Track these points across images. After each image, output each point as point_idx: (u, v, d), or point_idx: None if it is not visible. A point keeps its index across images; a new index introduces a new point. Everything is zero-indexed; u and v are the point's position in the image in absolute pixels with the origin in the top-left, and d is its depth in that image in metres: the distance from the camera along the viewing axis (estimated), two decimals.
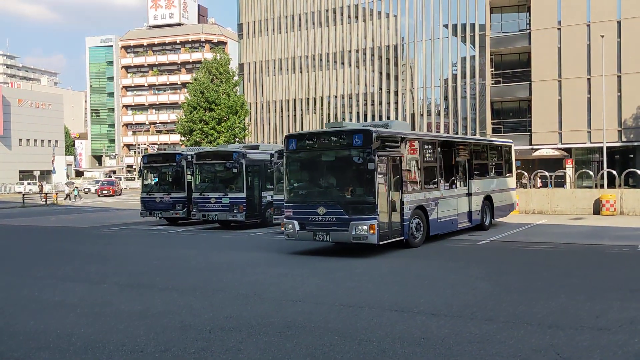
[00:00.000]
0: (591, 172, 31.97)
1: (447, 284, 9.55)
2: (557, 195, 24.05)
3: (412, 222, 13.78)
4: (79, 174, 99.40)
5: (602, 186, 29.87)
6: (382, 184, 12.79)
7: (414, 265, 11.91)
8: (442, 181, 15.43)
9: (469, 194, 16.78)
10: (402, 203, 13.40)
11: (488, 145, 19.52)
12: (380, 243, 12.61)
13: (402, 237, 13.46)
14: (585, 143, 44.60)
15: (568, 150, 45.27)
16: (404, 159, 13.69)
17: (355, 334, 6.49)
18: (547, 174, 27.93)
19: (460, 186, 16.42)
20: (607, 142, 38.10)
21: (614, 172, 25.78)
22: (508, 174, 19.98)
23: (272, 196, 18.70)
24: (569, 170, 40.66)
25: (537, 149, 45.57)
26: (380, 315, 7.37)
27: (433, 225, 14.68)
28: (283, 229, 13.81)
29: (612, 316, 7.11)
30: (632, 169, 27.72)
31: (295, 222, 13.22)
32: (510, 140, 22.16)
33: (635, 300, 8.05)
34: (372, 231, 12.27)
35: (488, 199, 17.80)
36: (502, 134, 47.16)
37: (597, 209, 22.57)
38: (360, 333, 6.51)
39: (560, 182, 36.91)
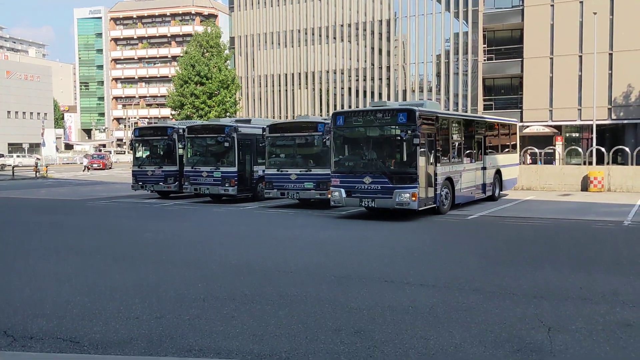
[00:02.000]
0: (580, 150, 32.24)
1: (436, 257, 9.75)
2: (546, 172, 24.30)
3: (443, 192, 15.31)
4: (69, 147, 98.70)
5: (590, 163, 30.15)
6: (421, 157, 14.15)
7: (402, 239, 12.09)
8: (464, 156, 17.03)
9: (484, 168, 18.25)
10: (435, 174, 14.94)
11: (499, 124, 20.97)
12: (420, 209, 14.10)
13: (435, 205, 14.97)
14: (575, 121, 44.84)
15: (558, 127, 45.51)
16: (437, 135, 15.16)
17: (346, 303, 6.66)
18: (536, 150, 28.15)
19: (478, 161, 17.88)
20: (597, 120, 38.31)
21: (603, 150, 26.03)
22: (513, 151, 21.63)
23: (263, 170, 18.80)
24: (559, 147, 40.95)
25: (528, 126, 45.77)
26: (370, 285, 7.54)
27: (457, 195, 16.22)
28: (330, 195, 15.37)
29: (596, 288, 7.32)
30: (620, 147, 27.99)
31: (342, 190, 14.82)
32: (515, 120, 23.23)
33: (618, 273, 8.27)
34: (413, 198, 13.83)
35: (498, 172, 19.39)
36: (493, 111, 47.26)
37: (585, 185, 22.85)
38: (351, 302, 6.68)
39: (549, 159, 37.18)
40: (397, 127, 14.24)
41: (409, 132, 13.79)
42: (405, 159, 14.23)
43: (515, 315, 6.10)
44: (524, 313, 6.18)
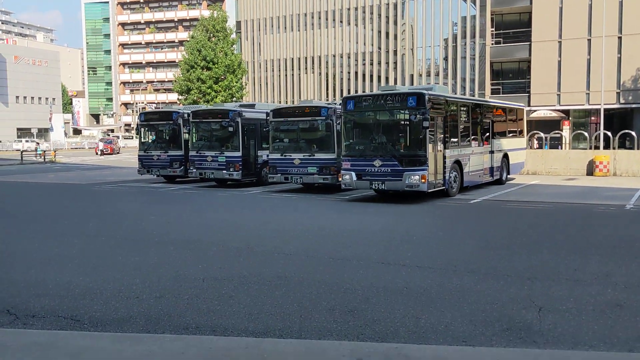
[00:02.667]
0: (586, 134, 32.09)
1: (435, 241, 9.84)
2: (551, 156, 24.26)
3: (451, 174, 15.63)
4: (77, 132, 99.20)
5: (597, 148, 30.04)
6: (430, 141, 14.51)
7: (403, 223, 12.19)
8: (472, 139, 17.28)
9: (492, 152, 18.47)
10: (444, 157, 15.27)
11: (507, 108, 21.15)
12: (429, 191, 14.48)
13: (444, 187, 15.32)
14: (583, 105, 44.56)
15: (566, 112, 45.25)
16: (446, 118, 15.52)
17: (342, 284, 6.77)
18: (543, 135, 28.06)
19: (485, 144, 18.09)
20: (605, 104, 38.07)
21: (609, 134, 25.91)
22: (521, 135, 21.82)
23: (267, 155, 18.90)
24: (566, 132, 40.75)
25: (535, 110, 45.54)
26: (367, 267, 7.65)
27: (466, 178, 16.55)
28: (340, 179, 15.74)
29: (590, 270, 7.40)
30: (627, 131, 27.84)
31: (353, 173, 15.14)
32: (523, 104, 23.47)
33: (614, 256, 8.33)
34: (423, 180, 14.15)
35: (505, 156, 19.62)
36: (500, 95, 47.02)
37: (591, 170, 22.81)
38: (347, 283, 6.79)
39: (556, 144, 37.04)
40: (406, 111, 14.52)
41: (419, 115, 14.05)
42: (414, 142, 14.53)
43: (508, 296, 6.19)
44: (516, 294, 6.27)
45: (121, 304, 6.10)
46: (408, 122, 14.68)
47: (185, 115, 21.63)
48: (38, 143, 46.30)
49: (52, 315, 5.77)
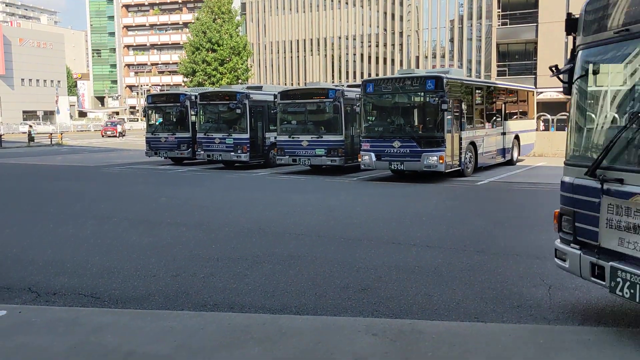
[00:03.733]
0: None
1: (444, 221, 9.94)
2: (557, 138, 24.23)
3: (467, 155, 16.12)
4: (83, 114, 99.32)
5: None
6: (447, 122, 14.88)
7: (412, 204, 12.29)
8: (486, 121, 17.72)
9: (504, 133, 18.79)
10: (460, 139, 15.69)
11: (518, 90, 21.45)
12: (446, 171, 14.96)
13: (459, 168, 15.77)
14: None
15: None
16: (462, 101, 15.90)
17: (354, 263, 6.89)
18: (549, 117, 28.01)
19: (498, 126, 18.46)
20: None
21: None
22: (530, 117, 22.14)
23: (275, 137, 18.97)
24: None
25: (542, 92, 45.34)
26: (378, 247, 7.77)
27: (480, 159, 16.99)
28: (360, 159, 16.01)
29: None
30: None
31: (372, 154, 15.56)
32: (533, 87, 23.65)
33: None
34: (440, 161, 14.58)
35: (517, 138, 19.95)
36: (507, 77, 46.80)
37: None
38: (359, 262, 6.92)
39: (562, 126, 36.92)
40: (425, 93, 14.89)
41: (437, 98, 14.37)
42: (432, 124, 14.96)
43: (518, 274, 6.30)
44: (526, 272, 6.38)
45: (139, 282, 6.24)
46: (426, 105, 15.03)
47: (193, 97, 21.68)
48: (31, 126, 46.21)
49: (72, 293, 5.92)
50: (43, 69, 79.90)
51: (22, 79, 77.85)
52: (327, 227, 9.40)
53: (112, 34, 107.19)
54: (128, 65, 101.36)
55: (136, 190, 15.19)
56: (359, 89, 16.70)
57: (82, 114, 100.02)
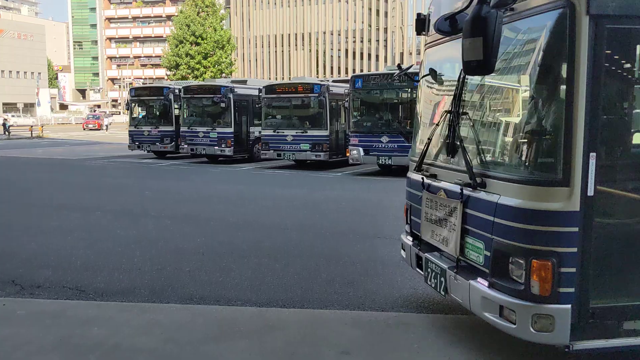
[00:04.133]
0: None
1: None
2: None
3: None
4: (64, 107, 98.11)
5: None
6: None
7: (397, 199, 12.36)
8: None
9: None
10: None
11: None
12: None
13: None
14: None
15: None
16: None
17: (340, 257, 6.93)
18: None
19: None
20: None
21: None
22: None
23: (259, 131, 18.94)
24: None
25: None
26: (363, 241, 7.82)
27: None
28: (348, 154, 16.15)
29: None
30: None
31: (360, 149, 15.66)
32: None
33: None
34: None
35: None
36: None
37: None
38: (344, 256, 6.95)
39: None
40: (412, 89, 14.98)
41: None
42: None
43: None
44: None
45: (124, 276, 6.22)
46: (413, 100, 15.05)
47: (177, 90, 21.54)
48: (6, 119, 45.52)
49: (57, 286, 5.88)
50: (23, 61, 78.75)
51: (2, 71, 76.68)
52: (313, 222, 9.43)
53: (93, 25, 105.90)
54: (110, 58, 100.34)
55: (120, 184, 15.08)
56: (344, 84, 16.74)
57: (63, 107, 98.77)
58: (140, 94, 23.27)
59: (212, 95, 19.99)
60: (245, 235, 8.29)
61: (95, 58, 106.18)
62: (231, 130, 19.54)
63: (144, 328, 4.62)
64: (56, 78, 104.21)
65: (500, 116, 4.03)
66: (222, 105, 19.53)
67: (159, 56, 69.45)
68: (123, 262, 6.75)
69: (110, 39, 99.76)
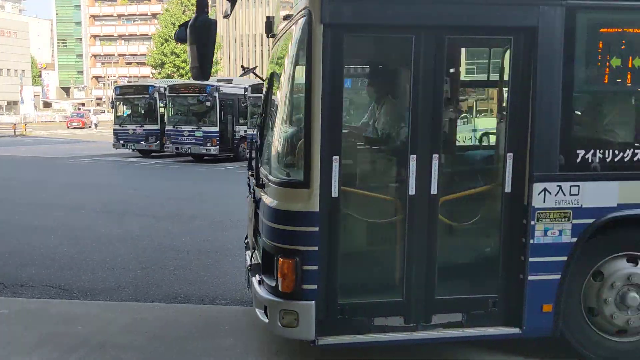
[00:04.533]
0: None
1: None
2: None
3: None
4: (47, 105, 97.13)
5: None
6: None
7: None
8: None
9: None
10: None
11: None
12: None
13: None
14: None
15: None
16: None
17: None
18: None
19: None
20: None
21: None
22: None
23: (245, 131, 18.91)
24: None
25: None
26: None
27: None
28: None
29: None
30: None
31: None
32: None
33: None
34: None
35: None
36: None
37: None
38: None
39: None
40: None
41: None
42: None
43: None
44: None
45: (109, 274, 6.19)
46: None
47: (162, 89, 21.43)
48: None
49: (40, 285, 5.84)
50: (7, 58, 77.82)
51: None
52: None
53: (78, 23, 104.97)
54: (95, 56, 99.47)
55: (104, 182, 14.97)
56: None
57: (47, 105, 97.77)
58: (126, 92, 23.12)
59: (197, 94, 19.91)
60: (230, 233, 8.26)
61: (80, 56, 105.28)
62: (216, 129, 19.48)
63: (130, 327, 4.61)
64: (40, 76, 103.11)
65: (275, 121, 4.12)
66: (208, 104, 19.46)
67: (144, 54, 69.09)
68: (107, 260, 6.72)
69: (94, 36, 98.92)
